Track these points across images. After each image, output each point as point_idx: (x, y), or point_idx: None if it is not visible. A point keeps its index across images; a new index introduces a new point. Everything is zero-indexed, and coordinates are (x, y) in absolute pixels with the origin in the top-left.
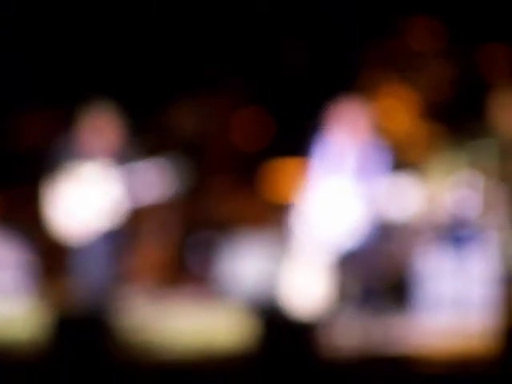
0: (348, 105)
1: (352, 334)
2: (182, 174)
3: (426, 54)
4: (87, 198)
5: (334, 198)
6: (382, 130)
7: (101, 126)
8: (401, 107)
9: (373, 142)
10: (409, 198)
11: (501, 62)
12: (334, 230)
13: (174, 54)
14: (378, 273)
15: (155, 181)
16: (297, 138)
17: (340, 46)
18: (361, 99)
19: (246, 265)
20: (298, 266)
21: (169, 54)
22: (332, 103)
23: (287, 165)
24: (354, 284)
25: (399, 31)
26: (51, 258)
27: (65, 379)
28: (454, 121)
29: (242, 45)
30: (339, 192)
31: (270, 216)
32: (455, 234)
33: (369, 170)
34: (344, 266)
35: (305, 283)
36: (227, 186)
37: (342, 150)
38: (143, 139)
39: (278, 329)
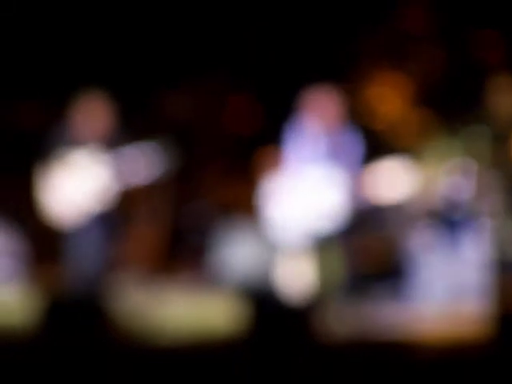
0: (321, 92)
1: (345, 320)
2: (171, 158)
3: (419, 40)
4: (79, 183)
5: (311, 184)
6: (376, 117)
7: (92, 111)
8: (394, 94)
9: (348, 129)
10: (403, 183)
11: (494, 48)
12: (314, 215)
13: (166, 40)
14: (369, 258)
15: (146, 165)
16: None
17: (332, 33)
18: (337, 86)
19: (239, 250)
20: (289, 252)
21: (160, 40)
22: (308, 90)
23: (276, 151)
24: (343, 270)
25: (392, 17)
26: (44, 243)
27: (58, 365)
28: (448, 107)
29: (232, 31)
30: (316, 178)
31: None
32: (449, 219)
33: (345, 156)
34: (329, 251)
35: (297, 270)
36: (220, 172)
37: (317, 137)
38: (135, 124)
39: (271, 314)
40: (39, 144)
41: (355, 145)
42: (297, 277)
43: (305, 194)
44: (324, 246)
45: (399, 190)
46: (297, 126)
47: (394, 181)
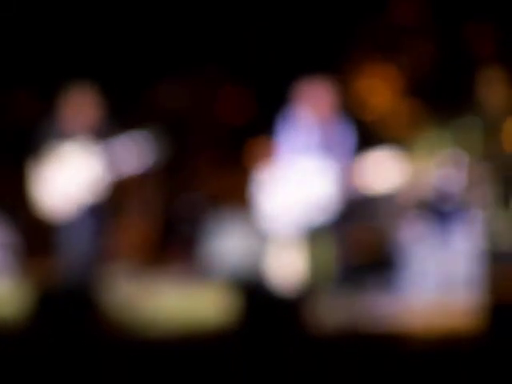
0: (314, 83)
1: (336, 311)
2: (162, 147)
3: (410, 31)
4: (70, 175)
5: (303, 175)
6: (366, 108)
7: (81, 103)
8: (385, 85)
9: (341, 120)
10: (393, 174)
11: (485, 41)
12: (306, 206)
13: (157, 31)
14: (360, 249)
15: (137, 154)
16: (275, 116)
17: (323, 24)
18: (332, 78)
19: (230, 242)
20: (279, 242)
21: (153, 30)
22: (301, 81)
23: (268, 141)
24: (334, 260)
25: (383, 9)
26: (35, 235)
27: (48, 357)
28: (439, 99)
29: (226, 22)
30: (308, 168)
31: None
32: (440, 211)
33: (337, 147)
34: (320, 242)
35: (288, 260)
36: (210, 163)
37: (309, 128)
38: (127, 115)
39: (261, 306)
40: (30, 136)
41: (348, 136)
42: (288, 268)
43: (297, 184)
44: (315, 236)
45: (389, 181)
46: (290, 117)
47: (385, 171)
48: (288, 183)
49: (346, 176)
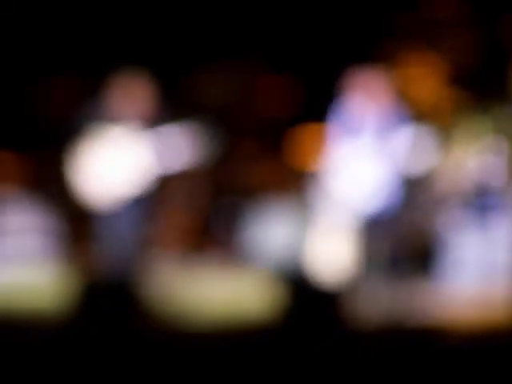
0: (368, 72)
1: (377, 303)
2: (210, 139)
3: (450, 21)
4: (115, 162)
5: (357, 164)
6: (407, 97)
7: (131, 90)
8: (426, 74)
9: (394, 110)
10: (434, 164)
11: None
12: (357, 195)
13: (204, 19)
14: (403, 240)
15: (184, 145)
16: (323, 105)
17: (365, 13)
18: (382, 67)
19: (272, 231)
20: (324, 232)
21: (198, 18)
22: (352, 70)
23: (313, 131)
24: (380, 251)
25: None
26: (78, 224)
27: (90, 346)
28: (479, 86)
29: (269, 12)
30: (361, 158)
31: (297, 182)
32: (480, 200)
33: (390, 136)
34: (369, 233)
35: (331, 250)
36: (254, 153)
37: (363, 117)
38: (173, 105)
39: (303, 296)
40: (74, 121)
41: (402, 126)
42: (331, 258)
43: (349, 173)
44: (365, 227)
45: (431, 172)
46: (342, 106)
47: (427, 162)
48: (340, 172)
49: (397, 166)
